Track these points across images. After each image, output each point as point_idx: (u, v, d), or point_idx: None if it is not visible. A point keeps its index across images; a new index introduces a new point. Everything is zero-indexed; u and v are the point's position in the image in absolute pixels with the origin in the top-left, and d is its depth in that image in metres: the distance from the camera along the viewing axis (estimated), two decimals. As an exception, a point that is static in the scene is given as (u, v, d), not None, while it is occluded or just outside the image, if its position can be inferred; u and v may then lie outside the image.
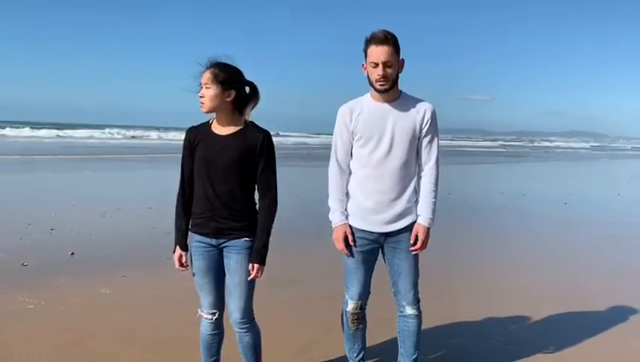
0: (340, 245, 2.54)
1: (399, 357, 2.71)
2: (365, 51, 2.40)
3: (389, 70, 2.35)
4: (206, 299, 2.45)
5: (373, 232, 2.52)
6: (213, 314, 2.45)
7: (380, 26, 2.37)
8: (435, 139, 2.53)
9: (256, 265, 2.33)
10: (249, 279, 2.36)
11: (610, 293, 4.50)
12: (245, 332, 2.45)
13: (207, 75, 2.27)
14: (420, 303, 2.63)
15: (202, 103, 2.29)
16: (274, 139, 2.42)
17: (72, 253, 5.22)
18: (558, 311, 3.99)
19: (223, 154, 2.29)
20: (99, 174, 13.48)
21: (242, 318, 2.41)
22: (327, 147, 2.87)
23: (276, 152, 2.41)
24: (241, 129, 2.33)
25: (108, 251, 5.44)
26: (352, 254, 2.55)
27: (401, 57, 2.41)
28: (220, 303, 2.46)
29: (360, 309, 2.64)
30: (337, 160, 2.56)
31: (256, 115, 2.40)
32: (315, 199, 8.47)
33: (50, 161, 16.54)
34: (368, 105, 2.49)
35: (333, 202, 2.57)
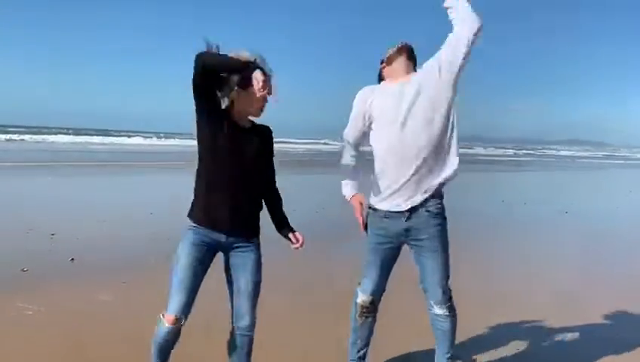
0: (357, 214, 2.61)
1: (435, 356, 2.67)
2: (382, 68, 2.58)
3: None
4: (181, 298, 2.23)
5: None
6: (179, 319, 2.25)
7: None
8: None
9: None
10: (300, 246, 2.38)
11: None
12: (251, 338, 2.39)
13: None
14: (453, 301, 2.55)
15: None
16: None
17: (72, 259, 5.17)
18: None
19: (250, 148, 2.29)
20: (98, 180, 13.45)
21: (253, 323, 2.37)
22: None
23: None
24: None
25: (109, 257, 5.39)
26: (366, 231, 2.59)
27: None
28: (188, 308, 2.27)
29: (370, 304, 2.60)
30: None
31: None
32: (308, 208, 8.42)
33: (51, 166, 16.54)
34: None
35: None
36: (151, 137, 44.60)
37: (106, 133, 48.21)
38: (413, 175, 2.35)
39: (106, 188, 11.51)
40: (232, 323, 2.41)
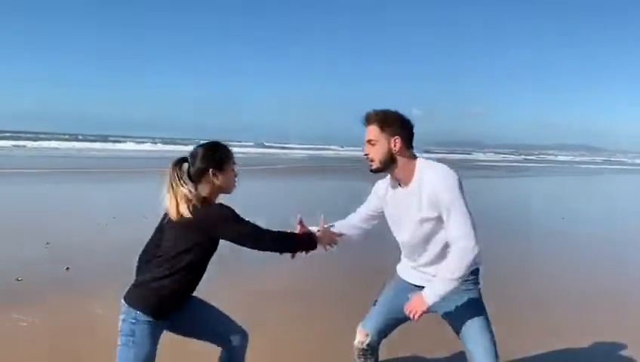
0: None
1: None
2: None
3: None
4: None
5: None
6: None
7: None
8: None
9: None
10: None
11: None
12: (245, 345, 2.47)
13: None
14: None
15: None
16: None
17: (68, 268, 5.17)
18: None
19: None
20: (94, 186, 13.41)
21: (246, 333, 2.45)
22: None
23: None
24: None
25: (104, 265, 5.39)
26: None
27: (397, 136, 2.18)
28: None
29: (367, 345, 2.43)
30: None
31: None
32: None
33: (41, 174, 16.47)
34: None
35: None
36: (145, 142, 44.56)
37: (100, 138, 48.01)
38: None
39: (100, 195, 11.48)
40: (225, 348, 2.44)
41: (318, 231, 2.43)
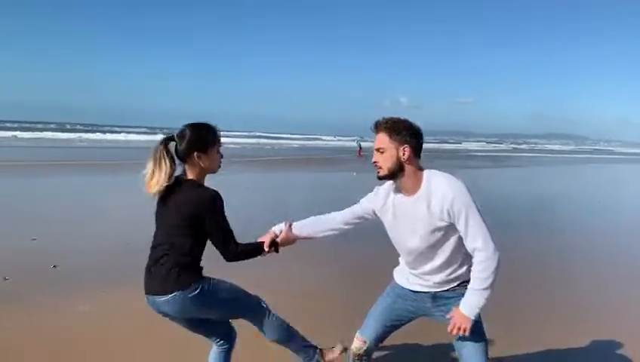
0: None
1: None
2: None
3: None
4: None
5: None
6: None
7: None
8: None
9: None
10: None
11: None
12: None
13: None
14: None
15: None
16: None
17: (55, 266, 5.07)
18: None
19: None
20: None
21: None
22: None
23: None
24: None
25: (91, 262, 5.30)
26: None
27: (406, 144, 2.14)
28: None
29: (364, 351, 2.43)
30: None
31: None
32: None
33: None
34: None
35: None
36: (131, 133, 44.01)
37: (89, 128, 47.19)
38: None
39: (87, 188, 11.35)
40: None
41: (281, 232, 2.51)
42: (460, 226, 2.10)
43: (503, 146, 69.54)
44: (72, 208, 8.44)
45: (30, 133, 35.02)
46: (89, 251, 5.77)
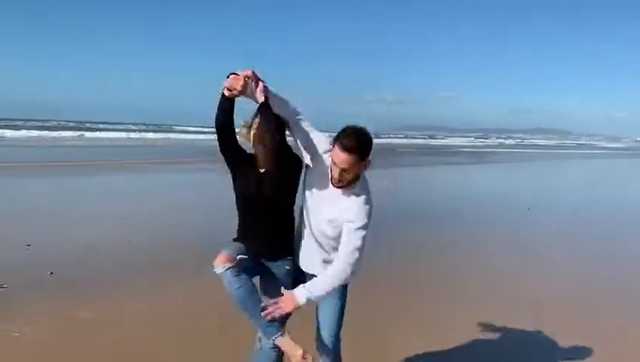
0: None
1: None
2: (334, 143, 2.22)
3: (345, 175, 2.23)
4: None
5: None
6: None
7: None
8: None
9: None
10: None
11: None
12: None
13: None
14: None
15: None
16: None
17: (52, 273, 5.15)
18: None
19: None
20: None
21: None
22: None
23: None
24: None
25: (88, 268, 5.37)
26: None
27: (368, 158, 2.23)
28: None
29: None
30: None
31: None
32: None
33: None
34: None
35: None
36: (128, 131, 43.15)
37: (79, 127, 45.90)
38: None
39: (79, 190, 11.25)
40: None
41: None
42: (344, 231, 2.31)
43: (489, 142, 69.99)
44: (65, 211, 8.40)
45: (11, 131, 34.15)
46: (86, 255, 5.81)
